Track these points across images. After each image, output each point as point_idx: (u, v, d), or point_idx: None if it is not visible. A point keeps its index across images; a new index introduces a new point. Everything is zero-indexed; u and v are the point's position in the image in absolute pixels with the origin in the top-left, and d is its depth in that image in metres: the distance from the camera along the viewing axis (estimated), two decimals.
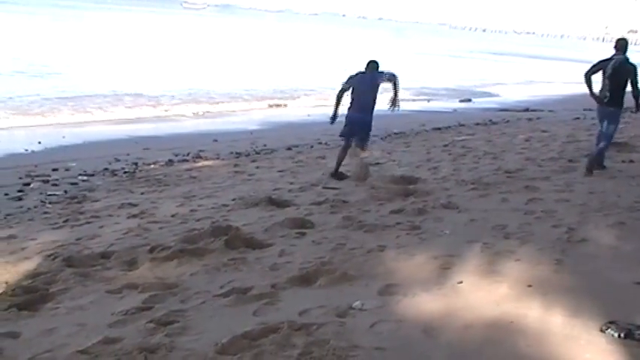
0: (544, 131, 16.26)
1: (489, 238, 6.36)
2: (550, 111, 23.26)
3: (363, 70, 9.75)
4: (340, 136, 10.09)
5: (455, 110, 23.40)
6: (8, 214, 8.50)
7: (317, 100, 23.36)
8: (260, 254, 5.94)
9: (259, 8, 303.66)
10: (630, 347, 4.00)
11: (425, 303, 4.64)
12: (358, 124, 9.72)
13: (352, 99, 9.66)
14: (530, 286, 4.96)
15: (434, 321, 4.32)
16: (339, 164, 9.95)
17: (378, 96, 9.78)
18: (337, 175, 9.89)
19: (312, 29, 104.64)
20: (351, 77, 9.69)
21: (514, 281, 5.06)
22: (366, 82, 9.61)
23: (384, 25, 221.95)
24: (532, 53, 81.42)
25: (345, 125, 9.80)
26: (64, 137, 14.40)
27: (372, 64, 9.72)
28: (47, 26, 52.02)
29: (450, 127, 17.66)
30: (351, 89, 9.61)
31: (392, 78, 9.69)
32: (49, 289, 5.19)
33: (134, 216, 7.82)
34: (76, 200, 9.16)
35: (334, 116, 9.73)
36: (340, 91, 9.65)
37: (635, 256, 5.81)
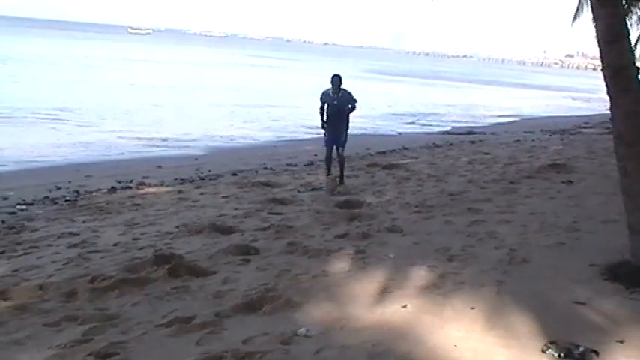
0: (486, 154, 16.55)
1: (433, 261, 6.41)
2: (492, 134, 23.72)
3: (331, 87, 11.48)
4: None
5: (399, 134, 23.66)
6: None
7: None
8: (203, 282, 5.86)
9: (204, 34, 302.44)
10: None
11: (369, 327, 4.64)
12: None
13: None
14: (473, 308, 5.00)
15: (378, 346, 4.32)
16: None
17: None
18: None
19: (259, 55, 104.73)
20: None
21: (457, 303, 5.11)
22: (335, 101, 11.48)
23: (329, 50, 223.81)
24: (473, 77, 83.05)
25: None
26: (5, 166, 14.05)
27: (336, 79, 11.43)
28: None
29: (394, 150, 17.82)
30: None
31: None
32: None
33: (74, 245, 7.63)
34: (14, 230, 8.89)
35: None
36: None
37: (574, 276, 5.92)
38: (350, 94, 11.54)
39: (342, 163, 11.74)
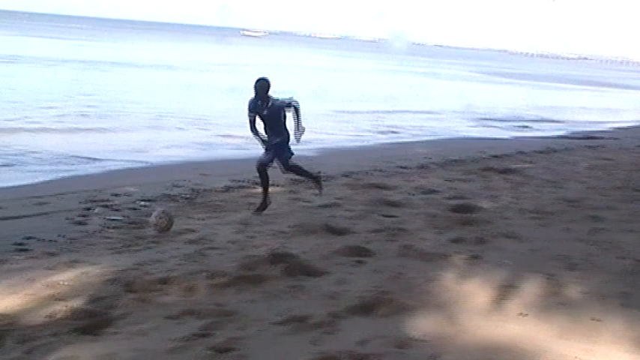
0: (607, 159, 15.91)
1: (552, 269, 6.23)
2: (613, 138, 22.79)
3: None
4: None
5: (515, 138, 23.08)
6: (71, 238, 8.66)
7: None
8: (318, 282, 5.90)
9: (318, 35, 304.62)
10: None
11: (487, 335, 4.54)
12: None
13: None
14: (596, 320, 4.80)
15: (496, 354, 4.21)
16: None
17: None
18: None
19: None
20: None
21: (579, 314, 4.93)
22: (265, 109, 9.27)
23: (441, 52, 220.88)
24: (590, 80, 79.97)
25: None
26: (122, 161, 14.69)
27: (262, 84, 9.12)
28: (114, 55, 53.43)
29: (509, 154, 17.39)
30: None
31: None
32: (109, 313, 5.25)
33: (193, 242, 7.86)
34: (136, 225, 9.28)
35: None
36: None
37: None
38: (281, 104, 9.30)
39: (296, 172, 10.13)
